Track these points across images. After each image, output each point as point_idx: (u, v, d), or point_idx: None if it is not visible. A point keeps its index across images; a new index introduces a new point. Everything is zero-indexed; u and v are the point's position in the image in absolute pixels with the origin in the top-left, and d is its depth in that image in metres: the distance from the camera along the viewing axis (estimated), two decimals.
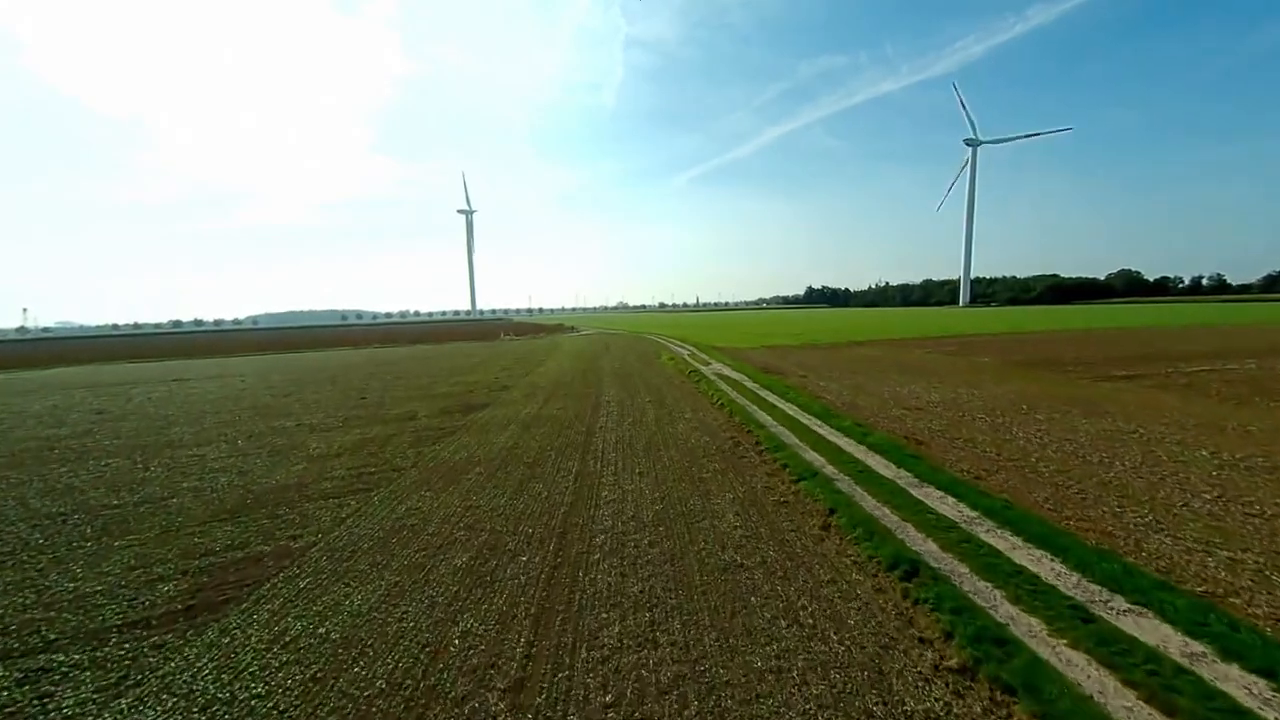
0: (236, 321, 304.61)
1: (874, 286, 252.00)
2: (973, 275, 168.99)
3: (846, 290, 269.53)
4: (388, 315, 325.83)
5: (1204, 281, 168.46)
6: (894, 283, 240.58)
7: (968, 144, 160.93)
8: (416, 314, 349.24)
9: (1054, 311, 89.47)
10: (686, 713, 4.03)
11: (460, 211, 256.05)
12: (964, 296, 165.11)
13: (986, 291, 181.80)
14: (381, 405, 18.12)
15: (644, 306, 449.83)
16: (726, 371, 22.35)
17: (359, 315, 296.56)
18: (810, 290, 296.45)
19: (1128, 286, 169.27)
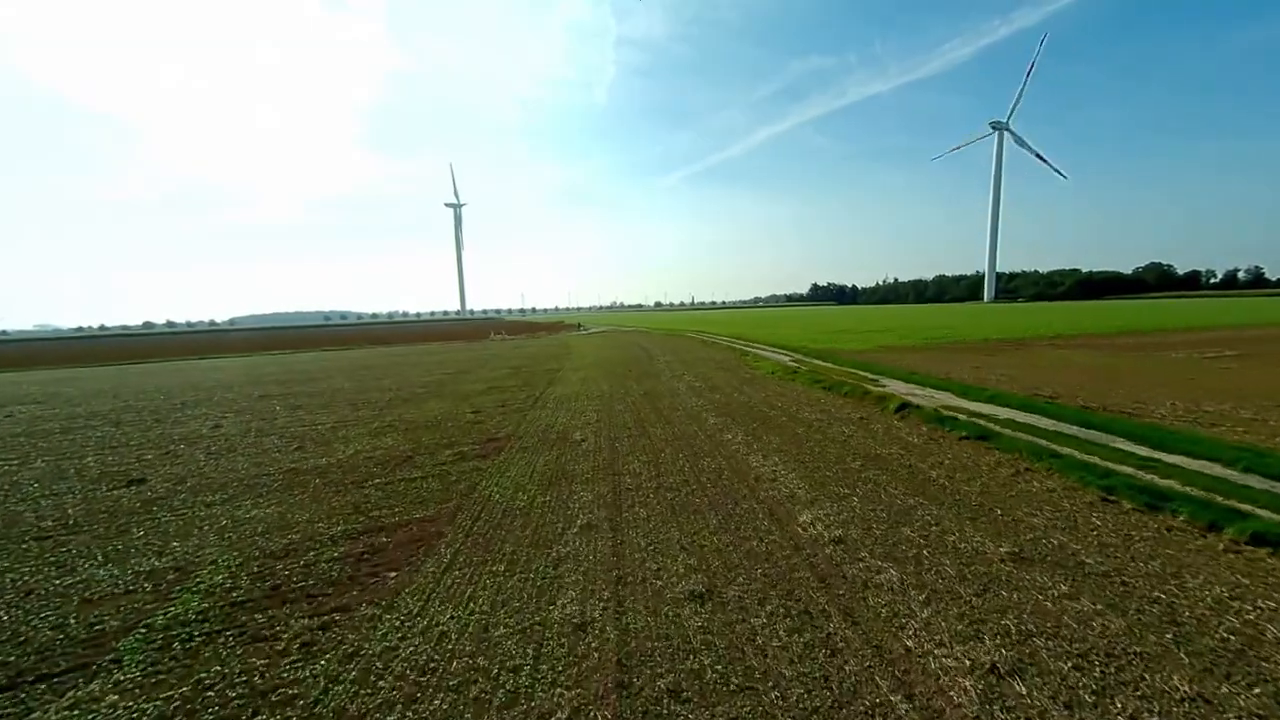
0: (213, 323, 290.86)
1: (883, 283, 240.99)
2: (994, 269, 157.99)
3: (854, 287, 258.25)
4: (374, 316, 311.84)
5: (1239, 275, 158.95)
6: (903, 279, 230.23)
7: (993, 127, 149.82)
8: (405, 314, 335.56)
9: (1124, 307, 78.50)
10: None
11: (448, 205, 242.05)
12: (989, 291, 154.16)
13: (1008, 287, 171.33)
14: (144, 538, 6.14)
15: (640, 306, 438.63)
16: (960, 403, 10.57)
17: (343, 316, 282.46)
18: (815, 287, 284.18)
19: (1159, 281, 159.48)
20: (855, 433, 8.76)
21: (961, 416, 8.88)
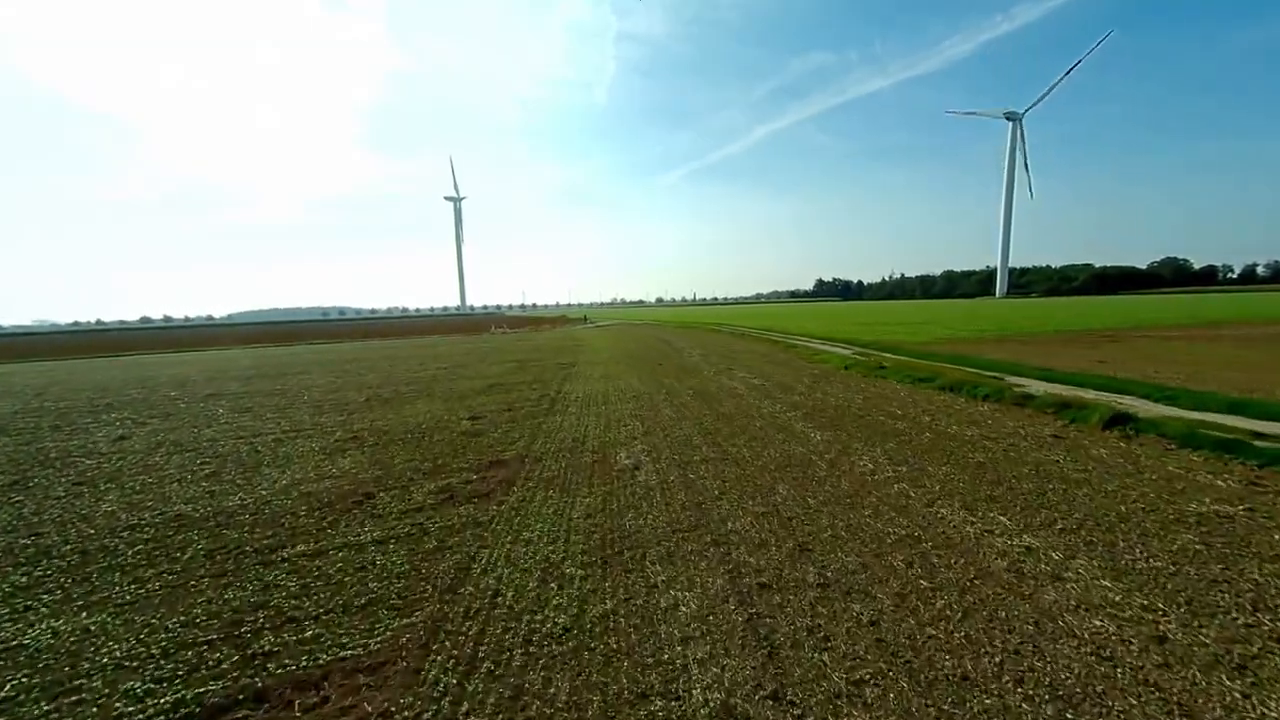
0: (210, 318, 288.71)
1: (889, 278, 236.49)
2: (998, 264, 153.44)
3: (860, 282, 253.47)
4: (372, 311, 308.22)
5: (1259, 270, 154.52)
6: (908, 274, 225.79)
7: (1008, 118, 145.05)
8: (405, 310, 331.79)
9: (1165, 301, 75.02)
10: None
11: (448, 199, 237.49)
12: (1001, 285, 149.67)
13: (1019, 282, 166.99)
14: None
15: (641, 302, 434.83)
16: (1188, 414, 7.36)
17: (341, 312, 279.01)
18: (820, 282, 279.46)
19: (1175, 276, 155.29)
20: (1088, 466, 5.48)
21: (1261, 444, 5.58)
